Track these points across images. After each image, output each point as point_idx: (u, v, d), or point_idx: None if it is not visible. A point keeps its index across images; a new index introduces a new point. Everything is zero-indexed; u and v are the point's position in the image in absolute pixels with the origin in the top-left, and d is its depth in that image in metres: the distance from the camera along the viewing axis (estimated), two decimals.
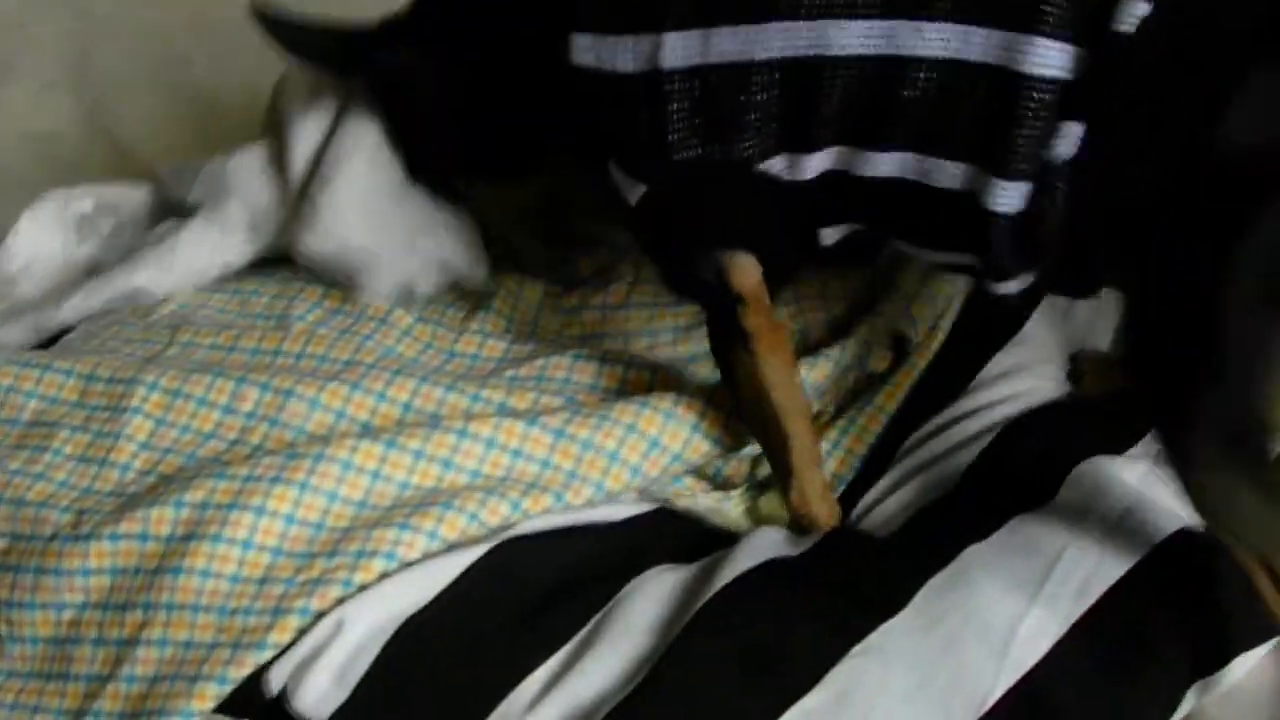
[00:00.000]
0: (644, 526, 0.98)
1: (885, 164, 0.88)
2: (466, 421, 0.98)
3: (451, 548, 0.93)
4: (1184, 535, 0.88)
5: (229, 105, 1.31)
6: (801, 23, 0.87)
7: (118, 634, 0.95)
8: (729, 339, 0.97)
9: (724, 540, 0.97)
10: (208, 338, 1.12)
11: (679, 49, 0.91)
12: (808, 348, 1.06)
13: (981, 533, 0.91)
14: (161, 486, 1.00)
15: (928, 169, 0.86)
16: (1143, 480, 0.93)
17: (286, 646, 0.91)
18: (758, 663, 0.87)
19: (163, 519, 0.96)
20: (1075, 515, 0.91)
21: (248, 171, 1.12)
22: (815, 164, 0.90)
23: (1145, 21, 0.78)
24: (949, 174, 0.85)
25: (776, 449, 0.98)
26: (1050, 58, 0.81)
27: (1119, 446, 0.97)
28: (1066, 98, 0.81)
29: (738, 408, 1.00)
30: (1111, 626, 0.86)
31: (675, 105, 0.92)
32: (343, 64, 1.11)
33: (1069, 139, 0.81)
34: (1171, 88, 0.80)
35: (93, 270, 1.15)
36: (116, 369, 1.08)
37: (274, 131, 1.14)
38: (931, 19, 0.84)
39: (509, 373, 1.05)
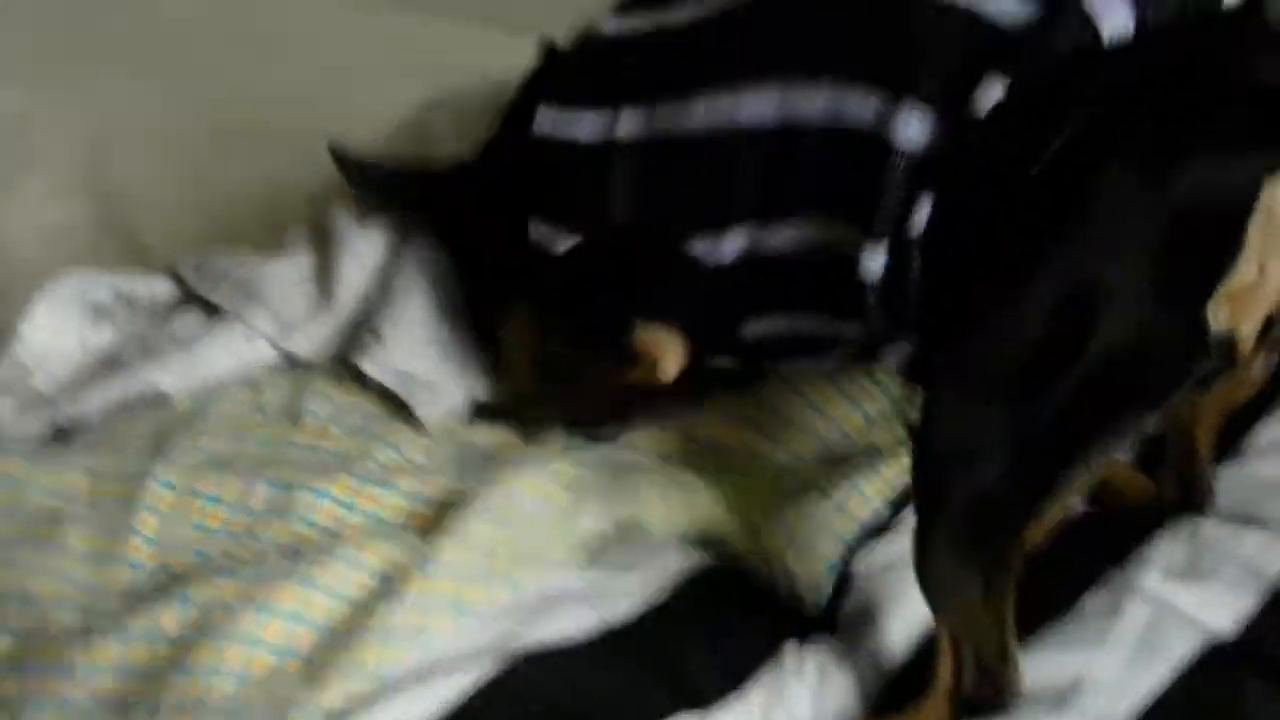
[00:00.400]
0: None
1: (786, 236, 0.92)
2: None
3: (461, 659, 0.92)
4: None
5: (243, 202, 1.34)
6: (718, 93, 0.93)
7: None
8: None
9: None
10: (220, 432, 1.12)
11: (629, 123, 0.98)
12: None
13: None
14: (170, 584, 0.99)
15: (804, 235, 0.91)
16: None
17: None
18: None
19: (170, 617, 0.95)
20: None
21: (281, 282, 1.15)
22: (730, 246, 0.95)
23: (999, 102, 0.82)
24: (826, 236, 0.89)
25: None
26: (912, 125, 0.85)
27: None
28: (925, 167, 0.85)
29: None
30: None
31: (620, 172, 0.99)
32: (412, 204, 1.18)
33: (923, 208, 0.85)
34: (999, 176, 0.82)
35: (109, 361, 1.15)
36: (127, 464, 1.08)
37: (316, 248, 1.18)
38: (818, 86, 0.89)
39: None
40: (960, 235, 0.84)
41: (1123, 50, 0.82)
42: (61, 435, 1.14)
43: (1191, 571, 0.95)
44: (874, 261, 0.88)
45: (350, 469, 1.05)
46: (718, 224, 0.95)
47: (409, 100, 1.31)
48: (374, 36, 1.71)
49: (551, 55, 1.13)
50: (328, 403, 1.13)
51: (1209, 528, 0.99)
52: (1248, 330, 0.78)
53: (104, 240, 1.45)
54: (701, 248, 0.96)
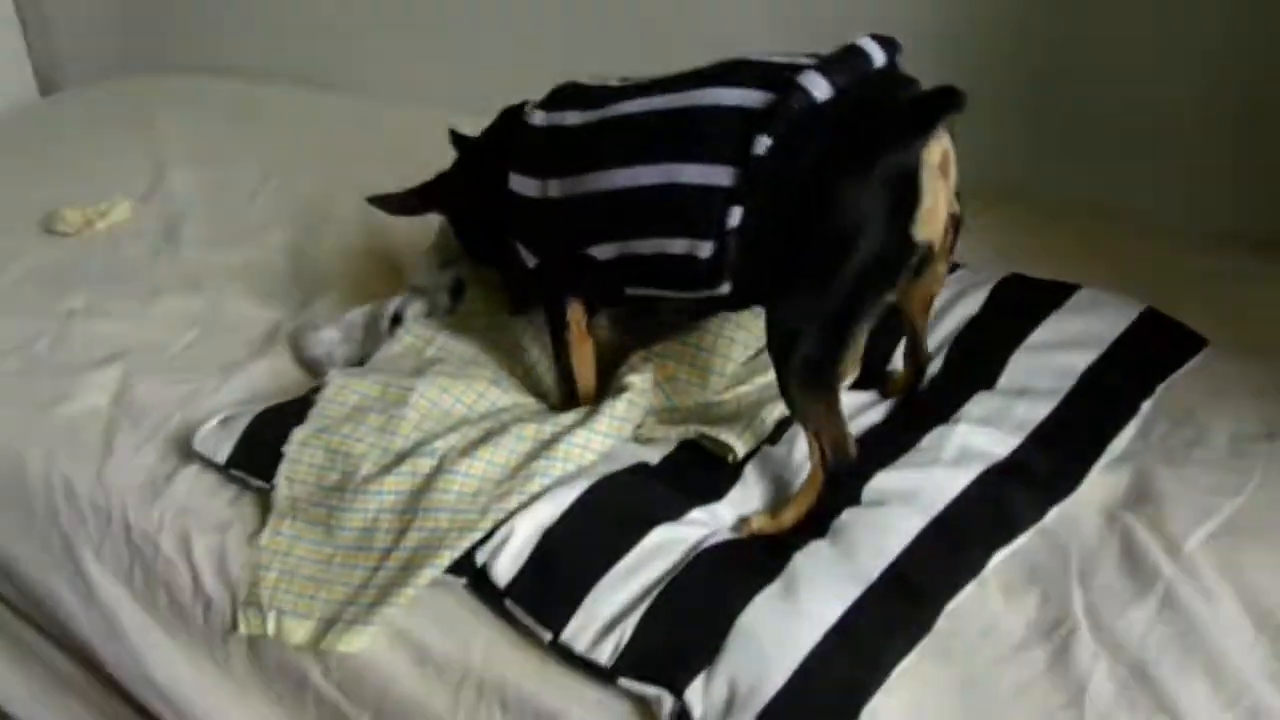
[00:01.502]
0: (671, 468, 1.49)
1: (646, 246, 1.41)
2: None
3: (572, 479, 1.42)
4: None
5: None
6: (605, 171, 1.40)
7: (398, 525, 1.41)
8: (559, 335, 1.56)
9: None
10: (452, 362, 1.66)
11: (555, 186, 1.46)
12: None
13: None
14: (424, 445, 1.49)
15: (663, 245, 1.39)
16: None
17: (486, 537, 1.36)
18: (731, 565, 1.32)
19: (421, 464, 1.46)
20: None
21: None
22: (608, 251, 1.44)
23: (769, 148, 1.30)
24: (678, 245, 1.38)
25: (563, 385, 1.59)
26: (722, 175, 1.32)
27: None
28: (732, 194, 1.32)
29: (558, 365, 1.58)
30: (949, 523, 1.38)
31: (553, 217, 1.47)
32: (422, 207, 1.73)
33: (735, 216, 1.33)
34: (781, 188, 1.30)
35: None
36: (403, 379, 1.59)
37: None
38: (658, 163, 1.36)
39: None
40: (760, 221, 1.32)
41: (828, 104, 1.31)
42: (362, 362, 1.71)
43: (985, 423, 1.51)
44: (703, 251, 1.36)
45: (502, 382, 1.63)
46: (601, 240, 1.44)
47: None
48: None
49: (505, 117, 1.61)
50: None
51: (997, 397, 1.55)
52: (936, 237, 1.32)
53: (373, 258, 2.09)
54: (594, 251, 1.46)
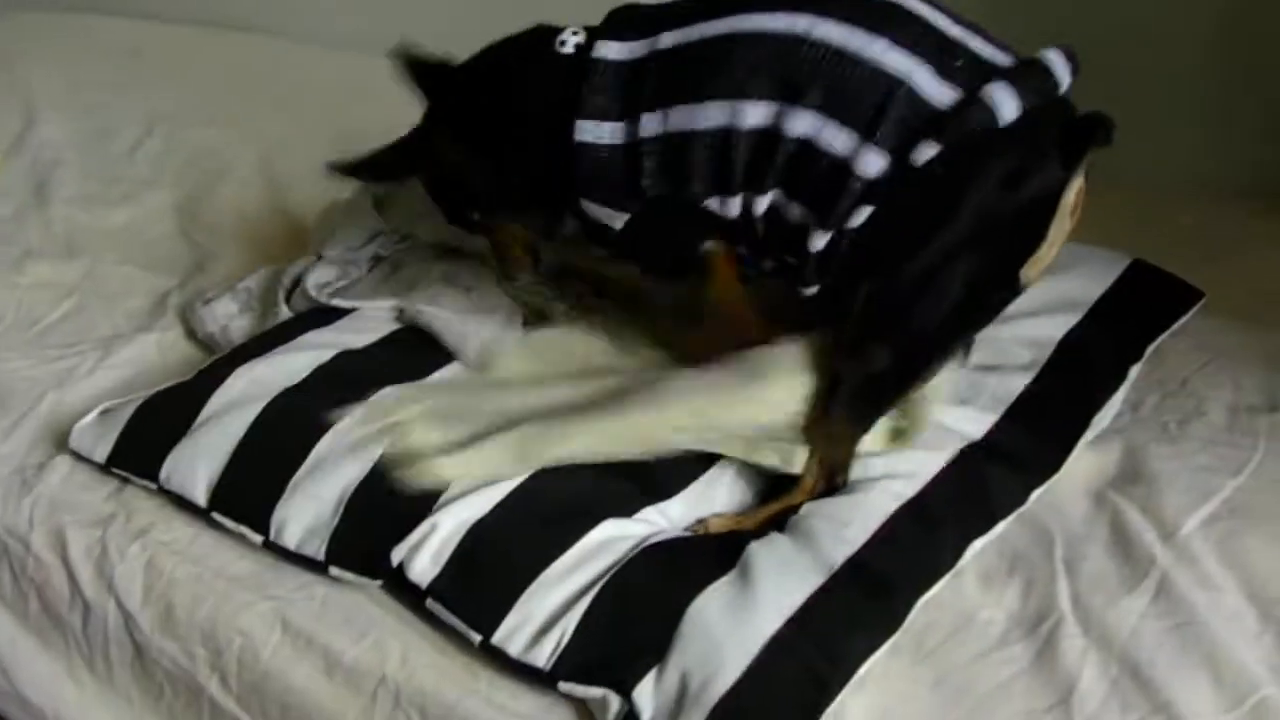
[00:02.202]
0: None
1: (763, 203, 1.33)
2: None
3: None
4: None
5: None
6: (729, 101, 1.29)
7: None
8: (693, 273, 1.44)
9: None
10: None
11: (650, 123, 1.34)
12: None
13: None
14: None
15: (785, 207, 1.31)
16: None
17: (405, 533, 1.33)
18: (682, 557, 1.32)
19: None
20: None
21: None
22: (733, 206, 1.35)
23: (930, 161, 1.24)
24: (795, 213, 1.31)
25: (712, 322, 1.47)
26: (872, 163, 1.26)
27: None
28: (869, 188, 1.26)
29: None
30: (921, 508, 1.38)
31: (646, 163, 1.35)
32: (405, 169, 1.58)
33: (862, 214, 1.28)
34: (916, 200, 1.26)
35: None
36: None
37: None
38: (805, 112, 1.27)
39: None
40: (883, 227, 1.27)
41: (1007, 127, 1.24)
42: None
43: (958, 400, 1.50)
44: (817, 243, 1.31)
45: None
46: (725, 191, 1.34)
47: None
48: None
49: (523, 52, 1.45)
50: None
51: (969, 373, 1.54)
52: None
53: (276, 218, 2.08)
54: (713, 204, 1.35)
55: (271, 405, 1.52)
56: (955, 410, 1.49)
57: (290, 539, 1.40)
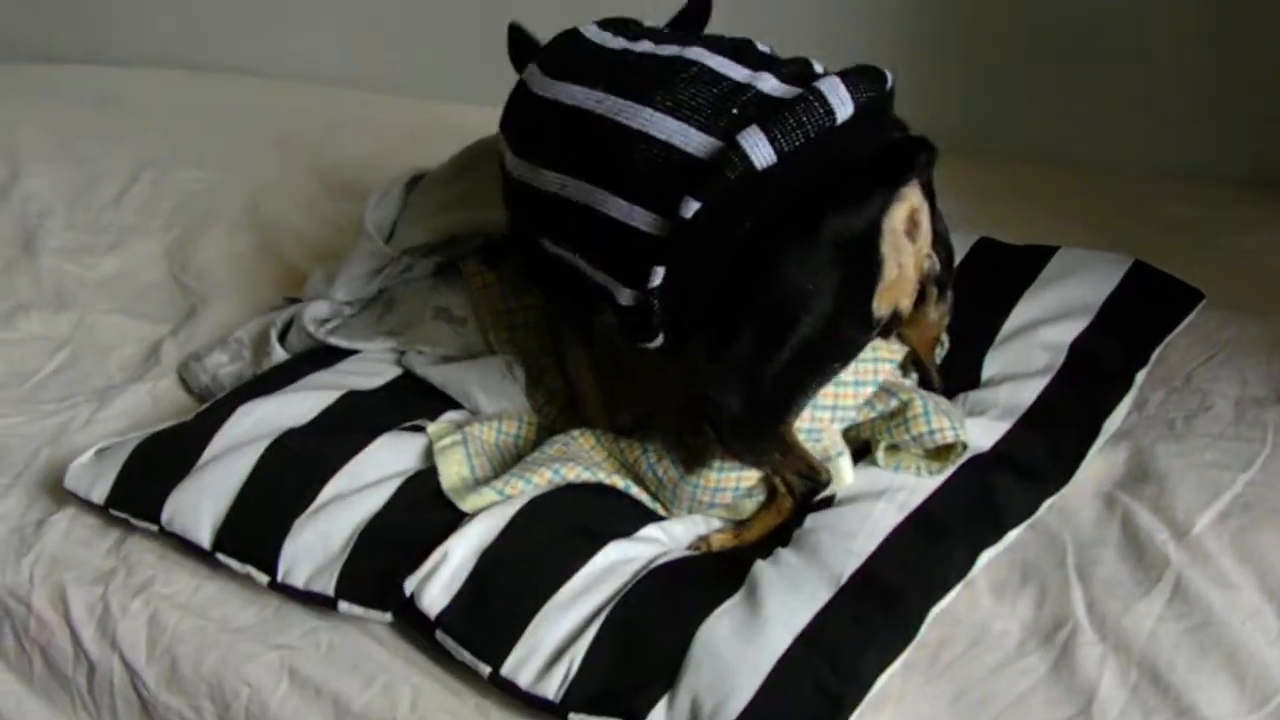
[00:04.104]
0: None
1: (579, 262, 1.37)
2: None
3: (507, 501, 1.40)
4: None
5: (346, 229, 1.91)
6: (537, 169, 1.38)
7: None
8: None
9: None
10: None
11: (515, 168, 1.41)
12: None
13: None
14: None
15: (591, 271, 1.35)
16: None
17: (418, 564, 1.32)
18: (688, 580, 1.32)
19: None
20: None
21: None
22: (554, 249, 1.40)
23: (696, 212, 1.24)
24: (601, 278, 1.34)
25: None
26: (640, 220, 1.27)
27: None
28: (656, 248, 1.27)
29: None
30: (929, 519, 1.37)
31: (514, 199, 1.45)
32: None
33: (657, 275, 1.28)
34: (713, 254, 1.26)
35: None
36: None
37: None
38: (585, 180, 1.31)
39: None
40: (689, 286, 1.28)
41: (772, 169, 1.22)
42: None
43: (968, 410, 1.50)
44: (623, 298, 1.33)
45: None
46: (545, 235, 1.41)
47: None
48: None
49: None
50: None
51: (980, 390, 1.54)
52: (905, 305, 1.29)
53: (267, 259, 2.07)
54: (544, 243, 1.41)
55: (276, 445, 1.51)
56: (967, 422, 1.48)
57: (299, 578, 1.39)
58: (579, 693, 1.23)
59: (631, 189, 1.30)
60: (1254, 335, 1.63)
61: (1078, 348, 1.59)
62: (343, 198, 2.15)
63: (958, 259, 1.67)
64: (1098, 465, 1.46)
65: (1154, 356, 1.58)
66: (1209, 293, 1.66)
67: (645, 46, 1.37)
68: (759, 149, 1.24)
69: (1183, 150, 2.10)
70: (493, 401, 1.61)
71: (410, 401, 1.62)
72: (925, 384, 1.54)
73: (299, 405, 1.59)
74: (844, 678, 1.21)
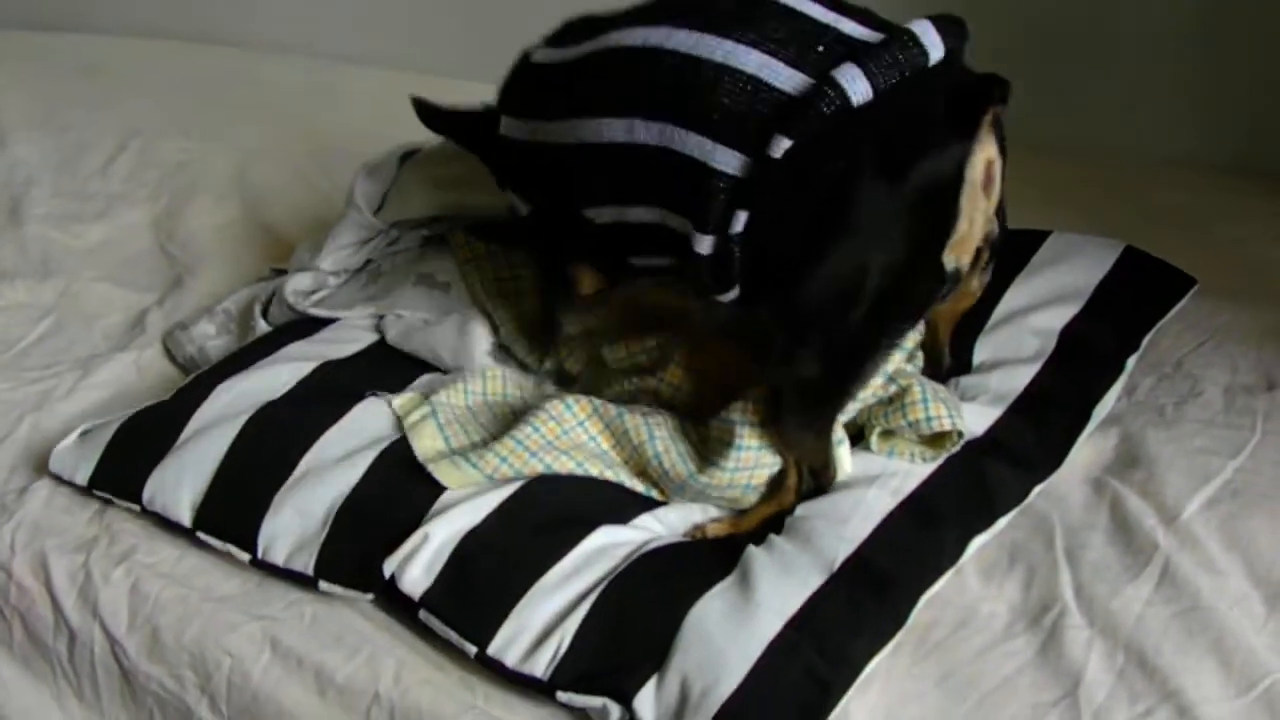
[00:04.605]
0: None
1: (640, 214, 1.33)
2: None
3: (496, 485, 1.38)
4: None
5: (335, 200, 1.86)
6: (594, 119, 1.30)
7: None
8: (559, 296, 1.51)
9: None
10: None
11: (543, 131, 1.38)
12: None
13: None
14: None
15: (665, 218, 1.30)
16: None
17: (396, 546, 1.31)
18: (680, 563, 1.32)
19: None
20: None
21: None
22: (604, 215, 1.36)
23: (786, 152, 1.20)
24: (676, 222, 1.29)
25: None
26: (723, 160, 1.23)
27: None
28: (738, 190, 1.22)
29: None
30: (921, 505, 1.36)
31: (541, 169, 1.40)
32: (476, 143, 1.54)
33: (739, 221, 1.24)
34: (791, 196, 1.22)
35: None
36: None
37: None
38: (655, 120, 1.26)
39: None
40: (771, 231, 1.24)
41: (866, 107, 1.20)
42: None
43: (959, 398, 1.49)
44: (702, 246, 1.27)
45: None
46: (596, 201, 1.36)
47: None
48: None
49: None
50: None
51: (971, 376, 1.53)
52: (966, 262, 1.26)
53: (253, 229, 2.07)
54: (589, 214, 1.38)
55: (254, 419, 1.50)
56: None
57: (278, 555, 1.38)
58: (568, 671, 1.23)
59: (714, 126, 1.24)
60: (1245, 322, 1.63)
61: (1069, 333, 1.58)
62: (330, 169, 2.13)
63: None
64: (1087, 450, 1.46)
65: (1145, 342, 1.58)
66: (1200, 280, 1.66)
67: None
68: (856, 84, 1.20)
69: (1175, 137, 2.10)
70: (455, 358, 1.61)
71: (387, 366, 1.61)
72: (934, 367, 1.52)
73: (276, 378, 1.58)
74: (834, 663, 1.21)
